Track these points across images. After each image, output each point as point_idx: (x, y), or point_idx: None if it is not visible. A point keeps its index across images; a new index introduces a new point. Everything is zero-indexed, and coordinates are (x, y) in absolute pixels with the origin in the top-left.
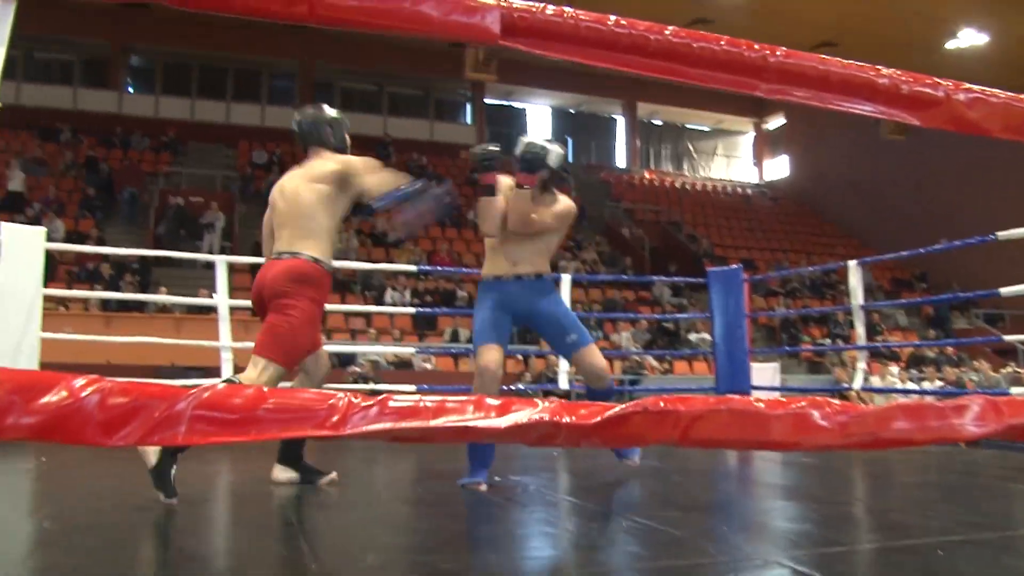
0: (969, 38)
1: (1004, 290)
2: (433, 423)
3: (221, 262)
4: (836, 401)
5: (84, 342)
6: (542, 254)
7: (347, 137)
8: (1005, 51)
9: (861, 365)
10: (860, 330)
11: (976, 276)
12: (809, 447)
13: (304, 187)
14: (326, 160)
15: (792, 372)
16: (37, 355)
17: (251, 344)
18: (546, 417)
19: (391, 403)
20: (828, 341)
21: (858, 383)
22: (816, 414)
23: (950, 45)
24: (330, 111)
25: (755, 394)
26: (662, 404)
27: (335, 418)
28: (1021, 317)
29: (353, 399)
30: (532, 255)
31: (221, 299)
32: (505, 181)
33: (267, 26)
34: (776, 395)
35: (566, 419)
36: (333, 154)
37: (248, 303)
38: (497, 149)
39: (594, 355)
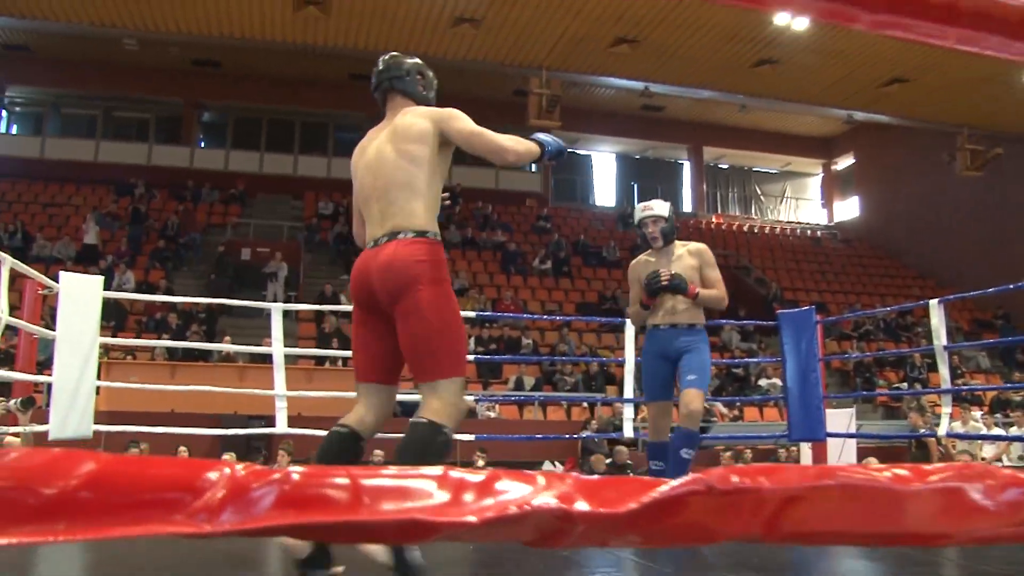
0: None
1: None
2: (358, 517)
3: (276, 310)
4: (1000, 468)
5: (149, 390)
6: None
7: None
8: None
9: (946, 410)
10: (944, 372)
11: None
12: (965, 540)
13: (392, 150)
14: (416, 116)
15: (867, 418)
16: (92, 403)
17: (312, 393)
18: (551, 503)
19: (297, 478)
20: (905, 385)
21: (943, 429)
22: (974, 490)
23: None
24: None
25: (831, 441)
26: (736, 480)
27: (200, 511)
28: None
29: (240, 472)
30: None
31: (276, 347)
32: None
33: (333, 80)
34: (853, 443)
35: (583, 506)
36: (420, 107)
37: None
38: (662, 281)
39: (695, 397)
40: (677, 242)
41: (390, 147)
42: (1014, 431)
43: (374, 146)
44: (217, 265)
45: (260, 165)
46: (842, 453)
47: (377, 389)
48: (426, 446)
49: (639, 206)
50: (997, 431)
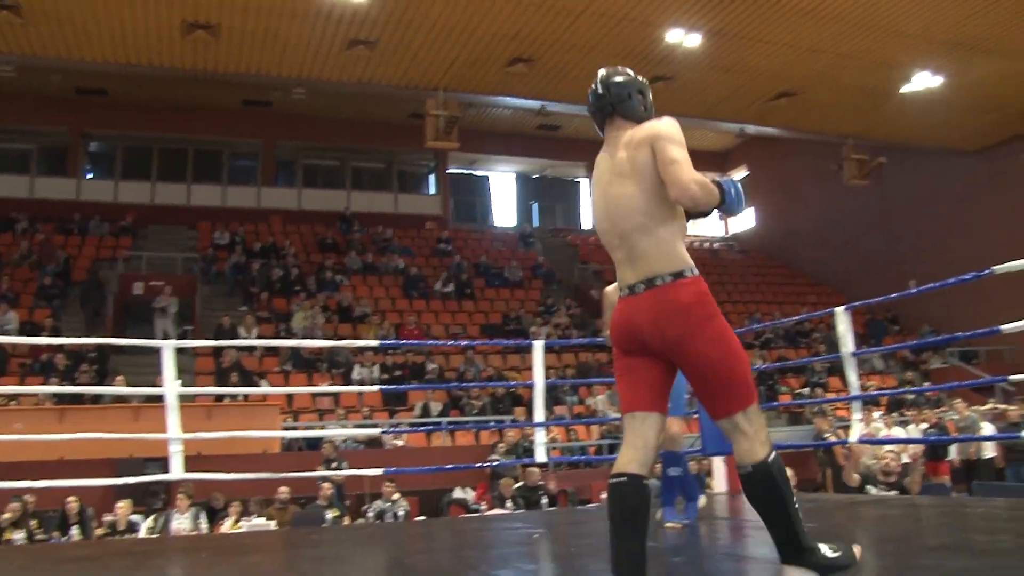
0: (924, 81)
1: (1006, 327)
2: None
3: (168, 349)
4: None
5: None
6: None
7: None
8: (959, 93)
9: (857, 416)
10: (852, 379)
11: (946, 316)
12: None
13: (617, 185)
14: (637, 144)
15: (773, 425)
16: None
17: (209, 434)
18: None
19: None
20: (807, 391)
21: (855, 435)
22: None
23: (905, 89)
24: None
25: None
26: None
27: None
28: (995, 353)
29: None
30: None
31: (168, 387)
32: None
33: (227, 108)
34: None
35: None
36: (639, 130)
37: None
38: None
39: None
40: None
41: (619, 181)
42: (911, 428)
43: (602, 186)
44: (116, 302)
45: (152, 195)
46: None
47: (644, 417)
48: (771, 489)
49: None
50: (898, 430)
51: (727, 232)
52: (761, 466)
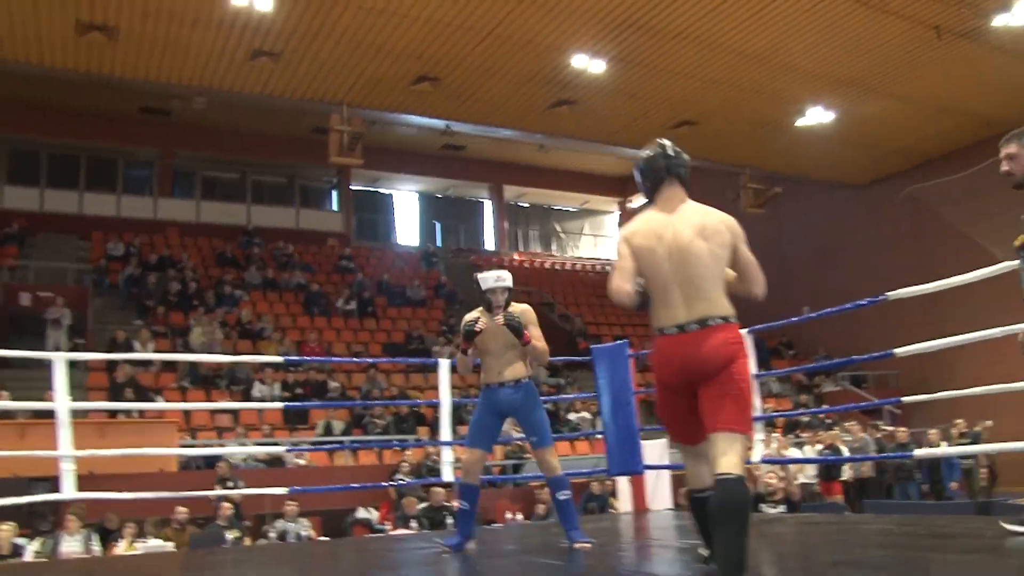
0: (817, 116)
1: (899, 351)
2: None
3: (59, 361)
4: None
5: None
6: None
7: None
8: (849, 129)
9: (760, 437)
10: (756, 401)
11: (837, 341)
12: None
13: (699, 244)
14: (719, 222)
15: (673, 447)
16: None
17: (104, 452)
18: None
19: None
20: None
21: (758, 456)
22: None
23: (800, 123)
24: None
25: (646, 473)
26: None
27: None
28: (882, 377)
29: None
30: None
31: (60, 402)
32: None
33: (123, 114)
34: (667, 473)
35: None
36: (705, 207)
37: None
38: (477, 330)
39: (548, 456)
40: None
41: (701, 242)
42: (807, 449)
43: (672, 234)
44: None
45: (41, 203)
46: (657, 484)
47: (698, 449)
48: (741, 501)
49: (492, 275)
50: (794, 451)
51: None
52: (742, 481)
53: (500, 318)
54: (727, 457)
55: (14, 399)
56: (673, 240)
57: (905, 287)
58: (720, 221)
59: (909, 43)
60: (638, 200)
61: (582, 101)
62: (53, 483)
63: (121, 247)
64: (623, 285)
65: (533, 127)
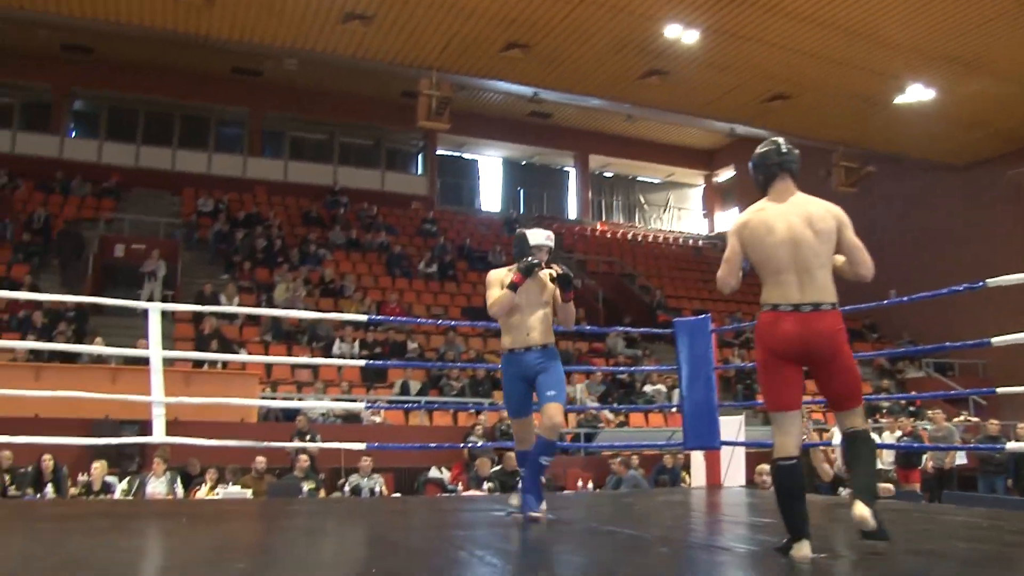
0: (917, 94)
1: (996, 340)
2: None
3: (154, 310)
4: None
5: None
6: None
7: None
8: (950, 108)
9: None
10: None
11: (924, 326)
12: None
13: (808, 233)
14: (826, 211)
15: (749, 424)
16: None
17: (192, 399)
18: None
19: None
20: None
21: (837, 437)
22: None
23: (899, 100)
24: None
25: (723, 449)
26: None
27: None
28: (969, 367)
29: None
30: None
31: (154, 350)
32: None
33: (216, 74)
34: (741, 450)
35: None
36: (810, 197)
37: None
38: (541, 267)
39: (556, 411)
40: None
41: (810, 233)
42: (886, 435)
43: (786, 224)
44: (100, 263)
45: (136, 158)
46: (732, 461)
47: (797, 414)
48: (873, 447)
49: (542, 232)
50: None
51: (712, 231)
52: (868, 432)
53: (555, 267)
54: (855, 419)
55: (107, 345)
56: (787, 230)
57: (1002, 275)
58: (826, 210)
59: (1015, 18)
60: (725, 174)
61: (673, 72)
62: (142, 426)
63: (211, 203)
64: (728, 279)
65: (622, 97)
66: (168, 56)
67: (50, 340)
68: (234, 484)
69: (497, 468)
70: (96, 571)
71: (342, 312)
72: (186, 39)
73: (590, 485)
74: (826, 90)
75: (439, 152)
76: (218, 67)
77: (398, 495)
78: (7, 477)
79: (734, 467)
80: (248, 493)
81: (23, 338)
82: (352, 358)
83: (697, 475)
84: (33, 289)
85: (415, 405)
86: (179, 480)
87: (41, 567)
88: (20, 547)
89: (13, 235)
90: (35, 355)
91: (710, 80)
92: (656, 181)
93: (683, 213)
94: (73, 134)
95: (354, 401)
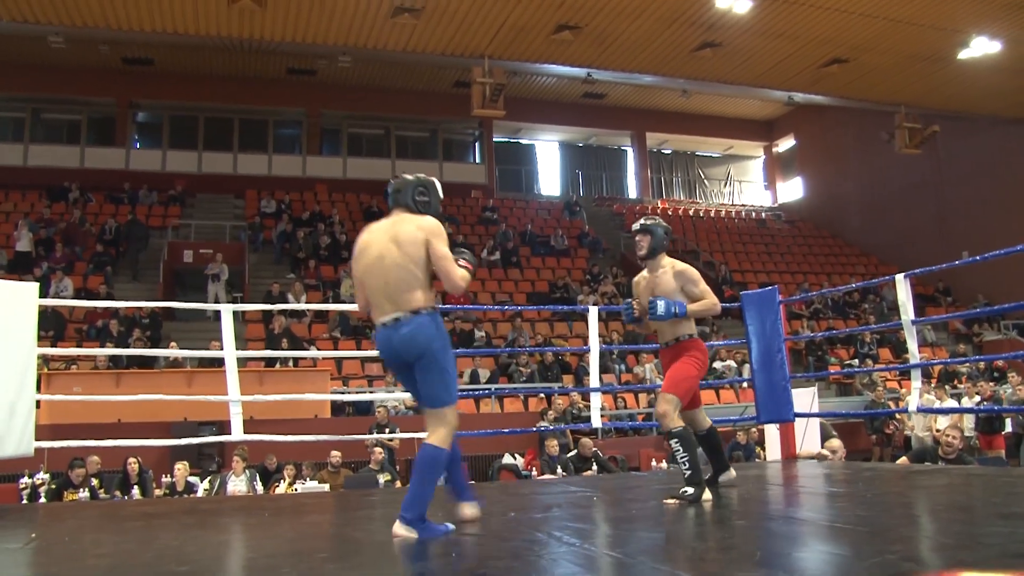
0: (982, 47)
1: None
2: None
3: (226, 311)
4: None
5: (94, 401)
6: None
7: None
8: (1018, 59)
9: (916, 385)
10: (913, 347)
11: (1000, 288)
12: None
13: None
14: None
15: (822, 396)
16: (33, 418)
17: (268, 397)
18: None
19: None
20: (856, 362)
21: (914, 405)
22: None
23: (963, 55)
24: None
25: (797, 421)
26: None
27: None
28: None
29: None
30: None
31: (228, 350)
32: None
33: (272, 77)
34: (815, 422)
35: None
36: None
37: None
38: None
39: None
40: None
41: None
42: (965, 401)
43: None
44: (169, 269)
45: (199, 165)
46: (806, 433)
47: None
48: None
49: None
50: (951, 402)
51: (775, 202)
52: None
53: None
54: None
55: (180, 349)
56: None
57: None
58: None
59: None
60: (785, 143)
61: (727, 43)
62: (219, 426)
63: (273, 204)
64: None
65: (676, 72)
66: (224, 63)
67: (126, 348)
68: (311, 479)
69: (572, 453)
70: (190, 563)
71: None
72: (240, 44)
73: (664, 464)
74: (885, 50)
75: (495, 139)
76: (273, 70)
77: (472, 483)
78: (96, 480)
79: (810, 439)
80: (325, 487)
81: (102, 346)
82: None
83: (772, 449)
84: (109, 298)
85: (485, 393)
86: (258, 477)
87: (139, 561)
88: (115, 544)
89: (84, 248)
90: (114, 362)
91: (764, 49)
92: (715, 155)
93: (744, 186)
94: (137, 145)
95: None
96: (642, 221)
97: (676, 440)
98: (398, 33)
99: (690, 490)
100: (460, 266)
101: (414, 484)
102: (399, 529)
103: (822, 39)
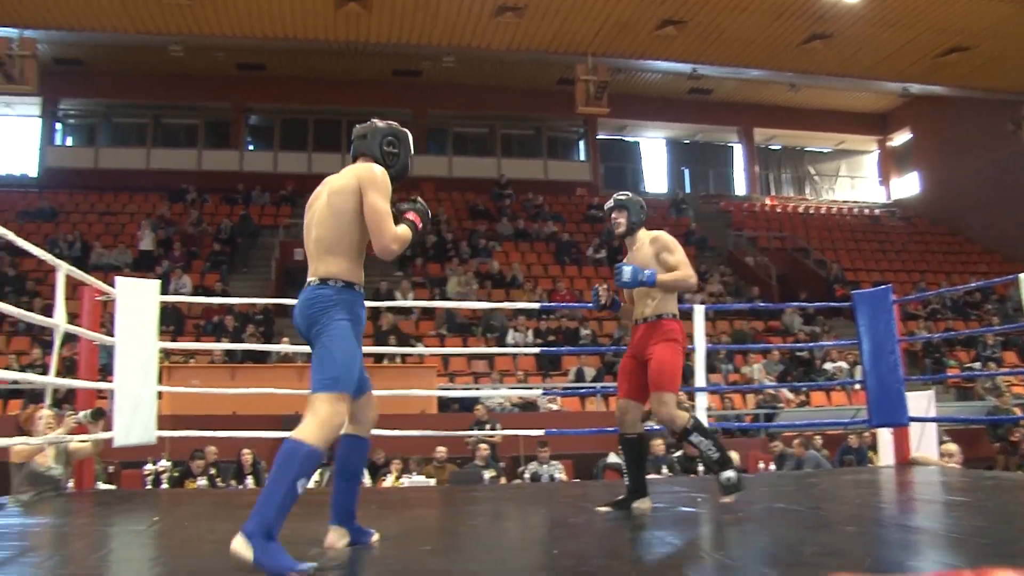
0: None
1: None
2: None
3: None
4: None
5: (211, 394)
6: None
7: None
8: None
9: None
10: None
11: None
12: None
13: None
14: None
15: (940, 400)
16: (155, 409)
17: (377, 392)
18: None
19: None
20: (978, 365)
21: None
22: None
23: None
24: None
25: (912, 426)
26: None
27: None
28: None
29: None
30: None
31: None
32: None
33: (377, 78)
34: (933, 427)
35: None
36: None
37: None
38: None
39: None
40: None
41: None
42: None
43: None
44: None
45: (308, 165)
46: (922, 438)
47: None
48: None
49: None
50: None
51: (889, 198)
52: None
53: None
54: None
55: (292, 345)
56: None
57: None
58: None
59: None
60: (900, 137)
61: (837, 34)
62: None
63: None
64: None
65: (784, 65)
66: (331, 66)
67: (241, 342)
68: (418, 474)
69: (679, 453)
70: (297, 553)
71: (514, 302)
72: (347, 48)
73: (771, 467)
74: (1008, 36)
75: (600, 137)
76: (379, 71)
77: (577, 480)
78: (213, 470)
79: (925, 444)
80: (431, 482)
81: (218, 341)
82: (526, 347)
83: (885, 454)
84: (224, 296)
85: (591, 391)
86: (366, 471)
87: None
88: (228, 531)
89: (201, 247)
90: (229, 356)
91: (877, 39)
92: (826, 150)
93: (856, 182)
94: (250, 147)
95: (530, 389)
96: (615, 196)
97: (695, 433)
98: (502, 32)
99: (730, 474)
100: (404, 221)
101: (265, 486)
102: (236, 544)
103: (939, 27)
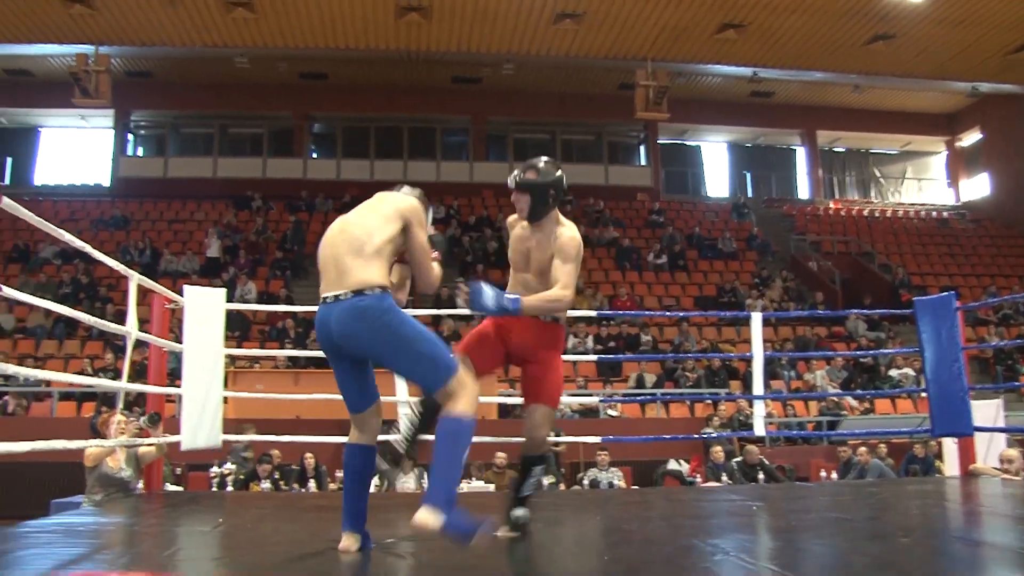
0: None
1: None
2: None
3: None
4: None
5: (274, 399)
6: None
7: None
8: None
9: None
10: None
11: None
12: None
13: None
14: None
15: (1012, 409)
16: (221, 413)
17: None
18: None
19: None
20: None
21: None
22: None
23: None
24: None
25: (977, 436)
26: None
27: None
28: None
29: None
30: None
31: None
32: None
33: (438, 86)
34: (1001, 437)
35: None
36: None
37: None
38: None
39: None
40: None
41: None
42: None
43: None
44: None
45: (371, 172)
46: (990, 448)
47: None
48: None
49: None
50: None
51: (958, 200)
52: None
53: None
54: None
55: None
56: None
57: None
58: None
59: None
60: (970, 137)
61: (901, 34)
62: (388, 425)
63: (442, 210)
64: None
65: (847, 67)
66: (393, 74)
67: (304, 348)
68: (478, 479)
69: (738, 460)
70: (357, 555)
71: (575, 308)
72: (408, 56)
73: (834, 475)
74: None
75: (661, 141)
76: (439, 79)
77: (636, 487)
78: (277, 473)
79: (992, 455)
80: (491, 487)
81: (281, 347)
82: (586, 353)
83: (950, 464)
84: (288, 301)
85: (651, 398)
86: (426, 475)
87: (311, 550)
88: (290, 533)
89: (266, 253)
90: (293, 362)
91: (943, 38)
92: (891, 152)
93: (923, 184)
94: (314, 155)
95: (590, 396)
96: (515, 175)
97: (543, 467)
98: (560, 38)
99: (520, 512)
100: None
101: (437, 461)
102: (421, 515)
103: (1009, 24)
